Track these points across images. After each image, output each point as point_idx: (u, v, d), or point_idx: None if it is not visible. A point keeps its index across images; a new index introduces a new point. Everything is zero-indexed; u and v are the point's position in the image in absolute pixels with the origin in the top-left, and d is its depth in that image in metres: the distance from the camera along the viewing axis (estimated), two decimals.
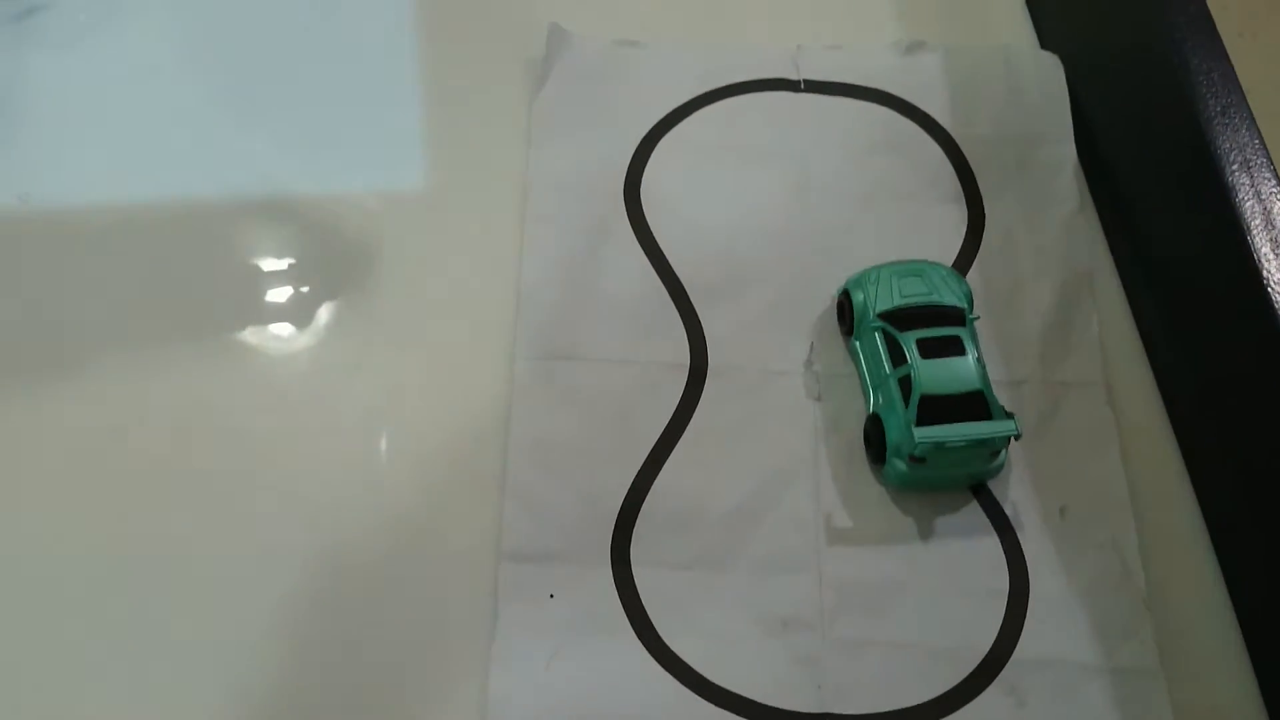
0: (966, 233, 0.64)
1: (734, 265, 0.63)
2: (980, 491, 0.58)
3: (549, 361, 0.60)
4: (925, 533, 0.57)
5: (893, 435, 0.56)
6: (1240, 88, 0.57)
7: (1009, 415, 0.56)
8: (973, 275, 0.63)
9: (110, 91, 0.67)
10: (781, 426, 0.59)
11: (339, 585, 0.55)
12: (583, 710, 0.52)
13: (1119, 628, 0.54)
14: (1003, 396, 0.58)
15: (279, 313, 0.62)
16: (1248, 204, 0.55)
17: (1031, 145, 0.67)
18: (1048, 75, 0.68)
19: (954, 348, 0.57)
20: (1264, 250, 0.53)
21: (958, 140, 0.67)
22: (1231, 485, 0.57)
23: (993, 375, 0.58)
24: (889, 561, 0.56)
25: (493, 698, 0.51)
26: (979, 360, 0.57)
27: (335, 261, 0.63)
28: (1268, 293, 0.52)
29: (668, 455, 0.58)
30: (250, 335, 0.61)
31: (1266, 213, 0.54)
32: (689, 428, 0.59)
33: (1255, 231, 0.54)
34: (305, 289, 0.62)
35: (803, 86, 0.68)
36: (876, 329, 0.58)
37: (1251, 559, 0.55)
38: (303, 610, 0.54)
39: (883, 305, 0.59)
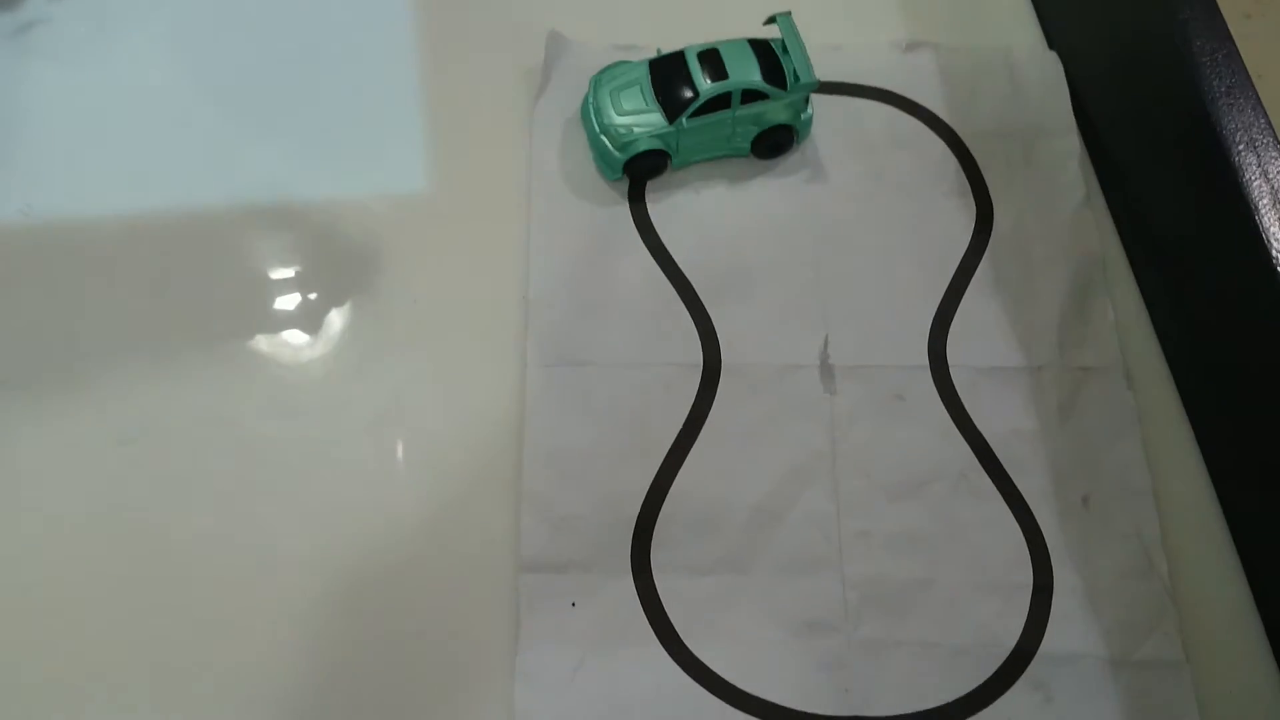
0: (975, 225, 0.64)
1: (742, 263, 0.63)
2: (1002, 482, 0.57)
3: (561, 368, 0.59)
4: (947, 527, 0.56)
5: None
6: (1245, 68, 0.57)
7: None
8: (984, 267, 0.63)
9: (111, 102, 0.66)
10: (798, 422, 0.58)
11: (356, 596, 0.54)
12: (612, 709, 0.51)
13: (1144, 620, 0.54)
14: (1023, 382, 0.59)
15: (286, 319, 0.61)
16: (1255, 184, 0.54)
17: (1035, 139, 0.67)
18: (1047, 72, 0.68)
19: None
20: (1272, 229, 0.53)
21: (962, 136, 0.67)
22: (1247, 471, 0.56)
23: (1011, 361, 0.58)
24: (911, 559, 0.55)
25: (519, 712, 0.51)
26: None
27: (341, 267, 0.63)
28: (1276, 271, 0.52)
29: (684, 457, 0.58)
30: (258, 343, 0.60)
31: (1274, 192, 0.54)
32: (705, 428, 0.58)
33: (1263, 211, 0.54)
34: (312, 295, 0.62)
35: None
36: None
37: (1270, 546, 0.55)
38: (319, 621, 0.53)
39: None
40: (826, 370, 0.60)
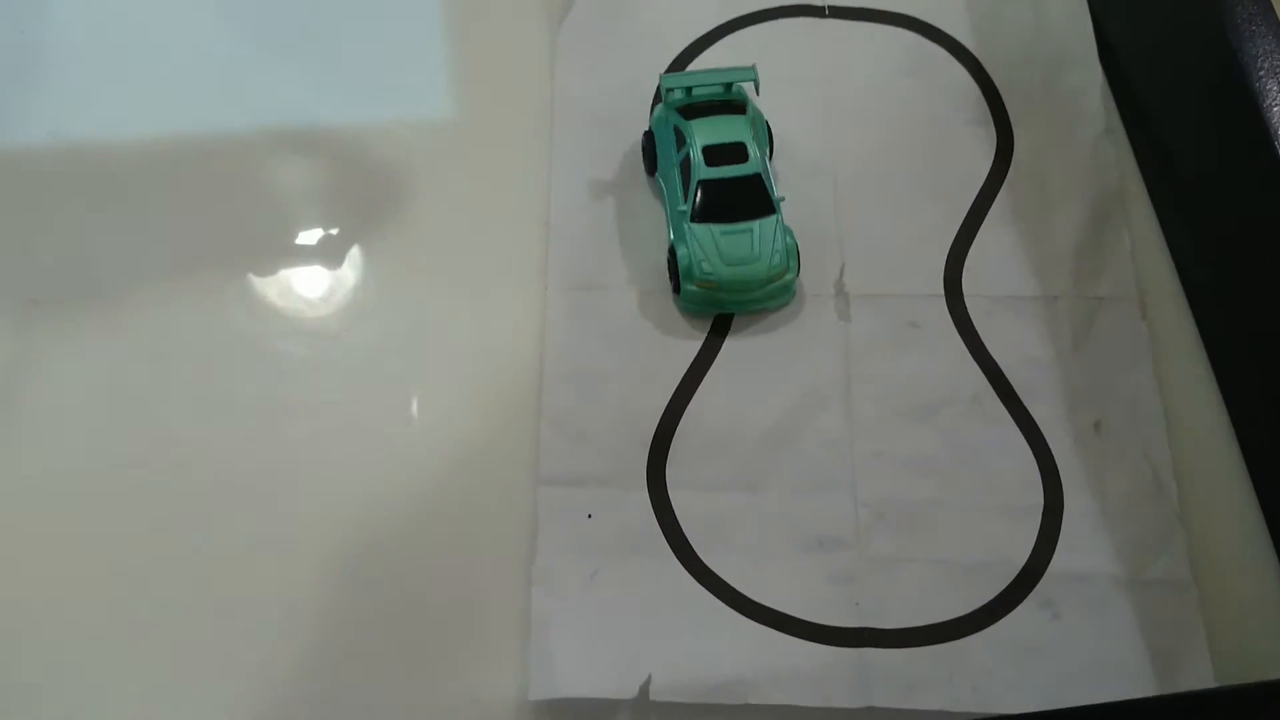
0: (995, 154, 0.64)
1: None
2: (1015, 408, 0.58)
3: (581, 291, 0.60)
4: (959, 450, 0.57)
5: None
6: None
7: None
8: (1003, 196, 0.63)
9: (138, 26, 0.67)
10: (812, 348, 0.59)
11: (377, 513, 0.55)
12: (623, 627, 0.52)
13: (1152, 541, 0.55)
14: (1038, 312, 0.59)
15: (311, 241, 0.62)
16: (1275, 112, 0.54)
17: (1057, 67, 0.66)
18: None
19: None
20: None
21: (984, 63, 0.67)
22: (1262, 399, 0.57)
23: (1027, 291, 0.59)
24: (923, 479, 0.56)
25: (535, 617, 0.52)
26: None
27: (364, 192, 0.63)
28: None
29: (700, 380, 0.58)
30: (283, 265, 0.61)
31: None
32: (721, 352, 0.59)
33: None
34: (335, 217, 0.63)
35: (827, 12, 0.68)
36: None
37: None
38: (342, 533, 0.55)
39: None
40: (842, 298, 0.61)
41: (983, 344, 0.60)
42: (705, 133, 0.59)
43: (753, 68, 0.61)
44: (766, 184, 0.59)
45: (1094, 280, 0.61)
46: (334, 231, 0.62)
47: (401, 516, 0.55)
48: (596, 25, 0.66)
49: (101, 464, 0.56)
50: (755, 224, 0.58)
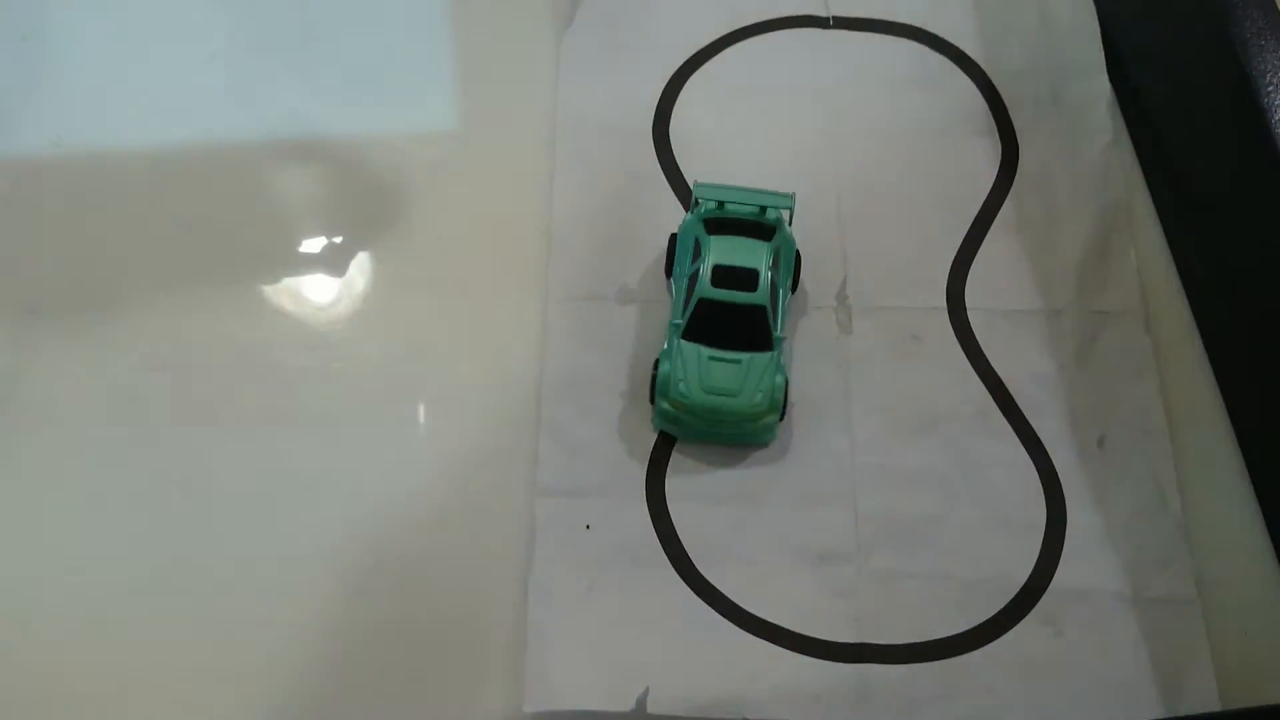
0: (1000, 166, 0.64)
1: None
2: (1018, 422, 0.57)
3: (581, 302, 0.60)
4: (961, 465, 0.56)
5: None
6: (1277, 9, 0.56)
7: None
8: (1007, 208, 0.62)
9: (141, 35, 0.67)
10: (814, 360, 0.59)
11: (375, 524, 0.55)
12: (620, 639, 0.52)
13: (1155, 558, 0.54)
14: (1042, 325, 0.58)
15: (312, 251, 0.62)
16: None
17: (1065, 78, 0.66)
18: (1078, 9, 0.67)
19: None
20: None
21: (989, 74, 0.66)
22: (1268, 415, 0.56)
23: (1031, 305, 0.58)
24: (924, 494, 0.56)
25: (531, 628, 0.52)
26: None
27: (365, 201, 0.63)
28: None
29: None
30: (284, 274, 0.61)
31: None
32: None
33: None
34: (335, 227, 0.62)
35: (832, 23, 0.68)
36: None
37: None
38: (339, 544, 0.54)
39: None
40: (844, 310, 0.60)
41: (985, 358, 0.59)
42: (721, 251, 0.56)
43: (791, 195, 0.58)
44: (770, 318, 0.55)
45: (1098, 294, 0.60)
46: (335, 240, 0.62)
47: (399, 528, 0.55)
48: (601, 34, 0.66)
49: (100, 474, 0.56)
50: (746, 357, 0.55)
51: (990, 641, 0.53)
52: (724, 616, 0.53)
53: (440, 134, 0.65)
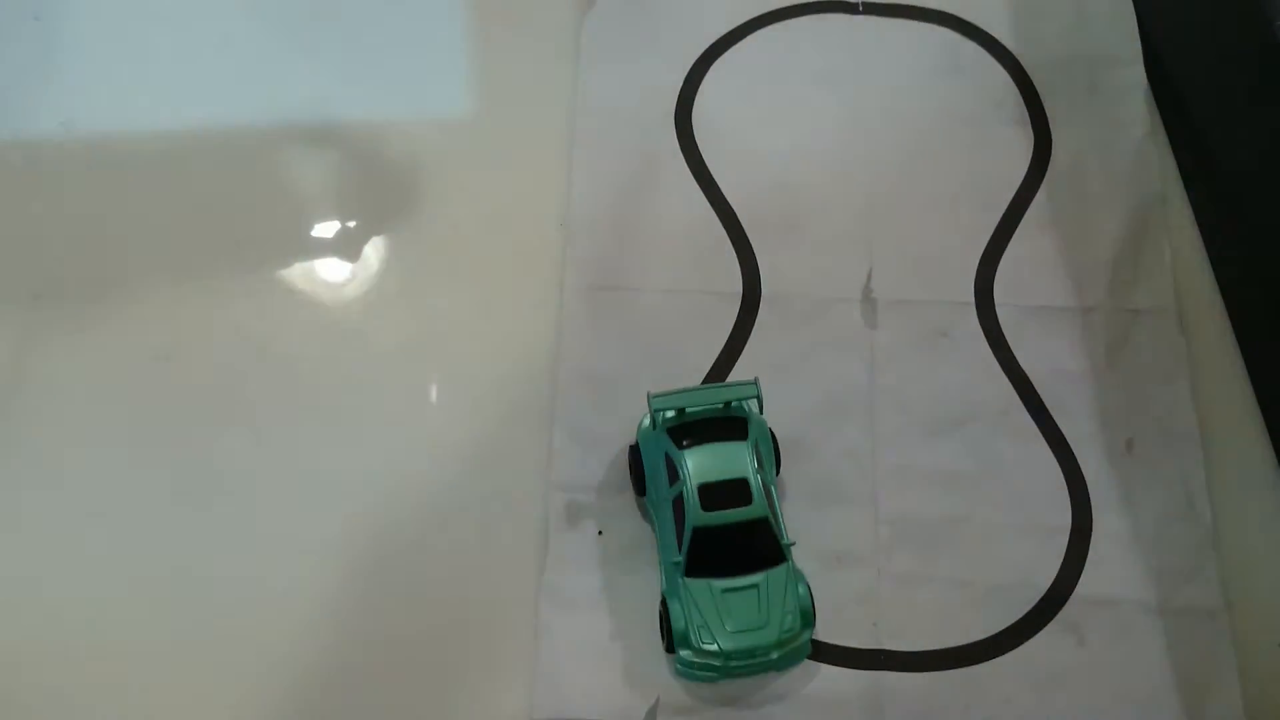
0: (1032, 157, 0.62)
1: (789, 192, 0.61)
2: (1045, 423, 0.56)
3: (598, 292, 0.59)
4: (985, 466, 0.55)
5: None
6: None
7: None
8: (1038, 201, 0.61)
9: (155, 17, 0.66)
10: (836, 355, 0.58)
11: (386, 520, 0.54)
12: (632, 645, 0.51)
13: (1183, 567, 0.53)
14: (1072, 323, 0.57)
15: (326, 239, 0.61)
16: None
17: (1100, 68, 0.64)
18: None
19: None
20: None
21: (1023, 62, 0.64)
22: None
23: (1062, 302, 0.56)
24: (947, 495, 0.55)
25: (542, 631, 0.51)
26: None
27: (382, 188, 0.62)
28: None
29: None
30: (296, 262, 0.61)
31: None
32: (742, 357, 0.57)
33: None
34: (351, 215, 0.62)
35: (861, 9, 0.66)
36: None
37: None
38: (350, 537, 0.54)
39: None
40: (869, 303, 0.59)
41: (1013, 355, 0.58)
42: (700, 468, 0.50)
43: (754, 382, 0.52)
44: (775, 527, 0.50)
45: (1131, 291, 0.58)
46: (348, 228, 0.61)
47: (409, 525, 0.54)
48: (622, 19, 0.65)
49: (105, 463, 0.56)
50: (762, 577, 0.49)
51: (1011, 650, 0.52)
52: None
53: (457, 120, 0.64)
